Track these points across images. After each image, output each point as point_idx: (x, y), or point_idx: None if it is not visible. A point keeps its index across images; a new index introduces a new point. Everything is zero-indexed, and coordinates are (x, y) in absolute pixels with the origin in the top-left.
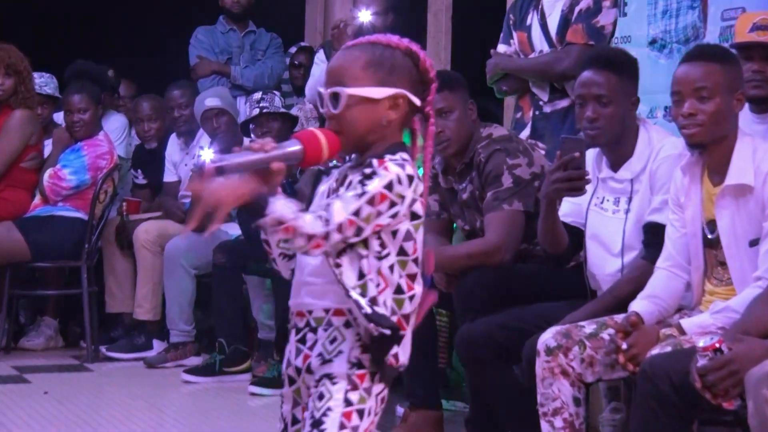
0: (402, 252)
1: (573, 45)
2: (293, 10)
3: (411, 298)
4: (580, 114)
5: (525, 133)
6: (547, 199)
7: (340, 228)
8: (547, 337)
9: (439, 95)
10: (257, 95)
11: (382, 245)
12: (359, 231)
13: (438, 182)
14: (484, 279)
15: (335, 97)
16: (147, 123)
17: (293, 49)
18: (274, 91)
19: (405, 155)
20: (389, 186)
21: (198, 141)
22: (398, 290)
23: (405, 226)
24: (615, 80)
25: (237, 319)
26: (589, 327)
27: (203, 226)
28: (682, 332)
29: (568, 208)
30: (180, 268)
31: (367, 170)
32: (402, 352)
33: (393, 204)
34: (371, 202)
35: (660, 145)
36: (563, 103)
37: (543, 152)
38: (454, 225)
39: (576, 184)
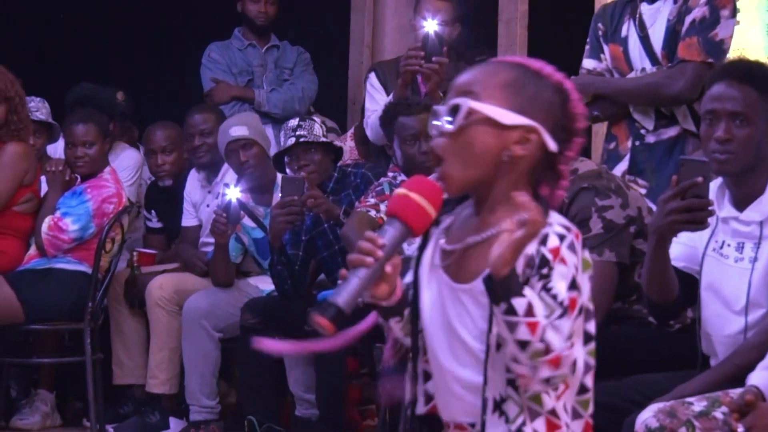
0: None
1: (688, 62)
2: (332, 20)
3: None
4: (707, 133)
5: (622, 168)
6: (658, 234)
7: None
8: (648, 416)
9: None
10: (293, 122)
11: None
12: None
13: None
14: None
15: (454, 111)
16: (161, 156)
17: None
18: (314, 116)
19: (564, 222)
20: (573, 285)
21: (222, 177)
22: (582, 390)
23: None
24: (755, 97)
25: (269, 392)
26: (698, 404)
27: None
28: None
29: (679, 251)
30: (201, 331)
31: (544, 269)
32: None
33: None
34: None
35: None
36: (671, 132)
37: (644, 190)
38: None
39: (697, 216)
